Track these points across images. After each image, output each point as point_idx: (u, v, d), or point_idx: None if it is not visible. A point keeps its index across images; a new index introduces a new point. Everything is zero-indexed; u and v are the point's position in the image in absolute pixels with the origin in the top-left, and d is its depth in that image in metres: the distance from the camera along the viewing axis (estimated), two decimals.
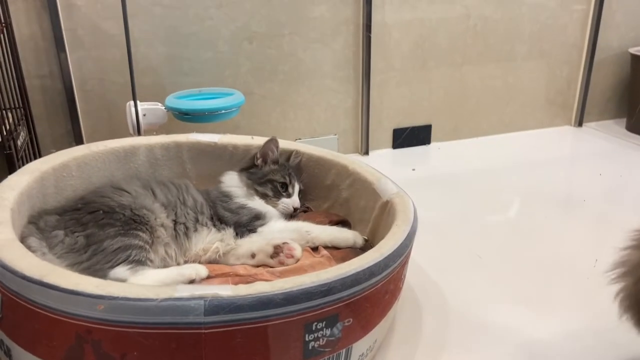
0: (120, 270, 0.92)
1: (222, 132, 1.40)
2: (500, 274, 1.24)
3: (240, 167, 1.29)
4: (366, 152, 2.00)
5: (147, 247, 1.00)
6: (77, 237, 0.98)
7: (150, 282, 0.92)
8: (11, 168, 1.18)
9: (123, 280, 0.90)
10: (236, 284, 0.90)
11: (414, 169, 1.86)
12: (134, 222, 1.02)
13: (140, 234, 1.00)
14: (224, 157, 1.36)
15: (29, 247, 0.89)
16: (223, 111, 1.46)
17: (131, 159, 1.29)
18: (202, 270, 0.98)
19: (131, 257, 0.96)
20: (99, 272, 0.92)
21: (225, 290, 0.73)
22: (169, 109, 1.48)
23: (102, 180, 1.21)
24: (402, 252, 0.87)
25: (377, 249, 0.85)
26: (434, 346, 0.99)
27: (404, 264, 0.92)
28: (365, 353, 0.90)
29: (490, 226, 1.47)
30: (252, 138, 1.36)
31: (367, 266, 0.80)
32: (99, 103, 1.66)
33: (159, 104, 1.51)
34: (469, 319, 1.07)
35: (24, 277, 0.72)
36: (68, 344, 0.72)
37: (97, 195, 1.08)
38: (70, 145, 1.65)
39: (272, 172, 1.26)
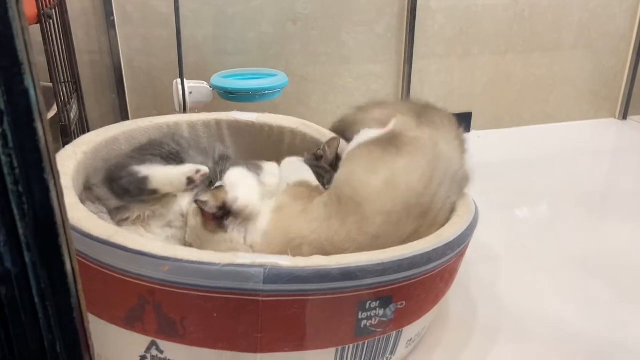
0: (140, 166, 0.94)
1: (262, 112, 1.41)
2: (546, 265, 1.22)
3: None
4: None
5: None
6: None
7: (163, 168, 0.94)
8: (65, 139, 1.21)
9: (139, 172, 0.92)
10: None
11: None
12: (178, 158, 1.04)
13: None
14: (261, 137, 1.35)
15: None
16: (267, 91, 1.47)
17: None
18: (204, 167, 0.98)
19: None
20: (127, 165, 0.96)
21: (284, 261, 0.74)
22: (215, 88, 1.50)
23: None
24: (462, 242, 0.87)
25: (437, 235, 0.85)
26: (485, 336, 0.99)
27: (461, 255, 0.91)
28: (414, 339, 0.90)
29: (530, 218, 1.45)
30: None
31: (424, 251, 0.80)
32: (145, 80, 1.68)
33: (205, 83, 1.52)
34: (521, 309, 1.06)
35: (91, 237, 0.75)
36: (130, 304, 0.74)
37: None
38: (116, 121, 1.69)
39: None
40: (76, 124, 1.37)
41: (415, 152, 0.91)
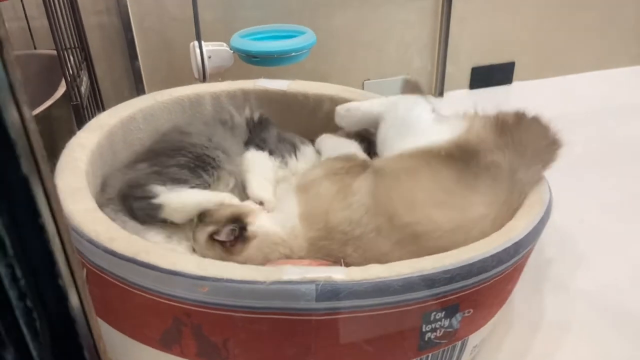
0: (159, 187, 0.86)
1: (285, 73, 1.28)
2: (615, 244, 1.09)
3: None
4: (440, 94, 1.84)
5: (205, 185, 0.92)
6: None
7: (184, 196, 0.85)
8: (78, 119, 1.09)
9: (156, 195, 0.84)
10: None
11: None
12: (204, 163, 0.94)
13: (204, 175, 0.93)
14: (294, 107, 1.22)
15: None
16: (294, 53, 1.32)
17: (197, 108, 1.18)
18: (235, 198, 0.89)
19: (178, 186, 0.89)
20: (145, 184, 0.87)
21: (338, 274, 0.64)
22: (236, 51, 1.35)
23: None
24: (534, 238, 0.75)
25: (506, 232, 0.73)
26: (553, 335, 0.89)
27: (531, 250, 0.80)
28: (479, 345, 0.81)
29: (588, 185, 1.30)
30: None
31: (494, 252, 0.69)
32: (159, 41, 1.54)
33: (224, 45, 1.38)
34: (592, 302, 0.95)
35: (115, 254, 0.65)
36: (165, 326, 0.66)
37: (166, 141, 1.01)
38: (130, 87, 1.57)
39: None
40: (88, 98, 1.25)
41: (493, 185, 0.77)
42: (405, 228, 0.75)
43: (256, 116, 1.10)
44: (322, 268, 0.66)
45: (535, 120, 0.90)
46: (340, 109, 1.03)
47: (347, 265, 0.77)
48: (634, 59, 2.00)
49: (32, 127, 0.25)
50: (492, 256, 0.69)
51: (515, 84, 1.90)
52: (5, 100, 0.23)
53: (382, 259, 0.73)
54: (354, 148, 0.99)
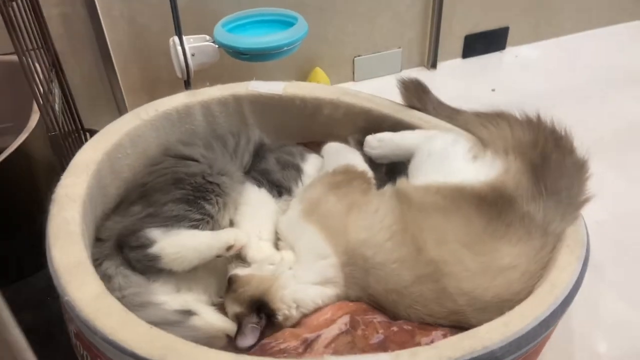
0: (155, 231, 0.80)
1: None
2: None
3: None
4: (434, 65, 1.74)
5: (208, 219, 0.86)
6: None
7: (182, 244, 0.79)
8: (57, 149, 0.98)
9: (152, 242, 0.78)
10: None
11: (493, 90, 1.62)
12: (205, 191, 0.87)
13: (207, 206, 0.86)
14: (291, 111, 1.12)
15: (104, 275, 0.76)
16: (286, 48, 1.21)
17: (186, 120, 1.08)
18: (241, 236, 0.82)
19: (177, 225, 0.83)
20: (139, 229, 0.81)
21: None
22: (222, 46, 1.22)
23: (157, 151, 1.03)
24: (579, 286, 0.72)
25: (550, 288, 0.69)
26: None
27: None
28: None
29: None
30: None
31: (543, 317, 0.66)
32: (130, 30, 1.39)
33: (208, 38, 1.24)
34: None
35: (136, 357, 0.59)
36: None
37: (159, 172, 0.93)
38: (104, 86, 1.43)
39: None
40: (62, 112, 1.12)
41: (526, 239, 0.74)
42: (431, 264, 0.73)
43: (252, 145, 1.02)
44: (365, 357, 0.62)
45: (562, 151, 0.85)
46: (371, 139, 0.97)
47: (370, 297, 0.76)
48: (632, 14, 1.92)
49: None
50: (540, 323, 0.66)
51: (508, 49, 1.81)
52: None
53: (402, 292, 0.73)
54: (353, 158, 0.94)
